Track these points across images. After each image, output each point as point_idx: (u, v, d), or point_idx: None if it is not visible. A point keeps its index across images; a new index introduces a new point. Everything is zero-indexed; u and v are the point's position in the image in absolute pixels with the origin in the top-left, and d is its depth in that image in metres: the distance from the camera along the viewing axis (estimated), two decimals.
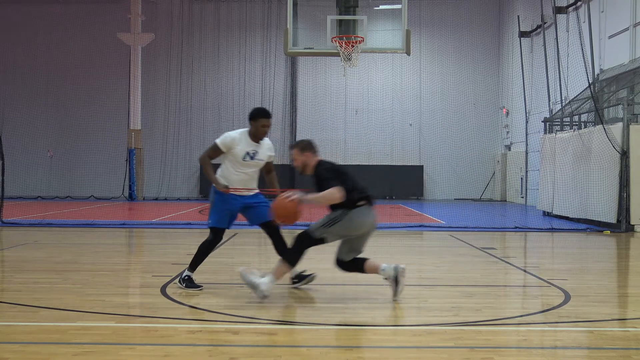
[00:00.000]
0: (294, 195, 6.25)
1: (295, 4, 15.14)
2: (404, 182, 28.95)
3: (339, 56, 15.24)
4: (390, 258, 10.25)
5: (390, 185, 28.74)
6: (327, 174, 6.29)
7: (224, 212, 6.99)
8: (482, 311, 6.15)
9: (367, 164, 29.24)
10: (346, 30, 15.29)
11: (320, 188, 6.27)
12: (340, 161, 29.61)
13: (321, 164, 6.46)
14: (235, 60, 29.99)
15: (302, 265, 7.21)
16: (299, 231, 6.52)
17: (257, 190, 7.17)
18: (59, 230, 13.99)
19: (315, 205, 6.38)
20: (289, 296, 6.93)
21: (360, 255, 6.70)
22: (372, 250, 11.05)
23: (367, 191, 6.44)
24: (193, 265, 7.11)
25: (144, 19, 27.61)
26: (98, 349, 4.74)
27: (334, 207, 6.36)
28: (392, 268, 6.47)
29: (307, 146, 6.55)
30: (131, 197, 26.93)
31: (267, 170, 7.26)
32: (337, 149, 29.56)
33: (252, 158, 6.98)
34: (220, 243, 7.23)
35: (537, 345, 5.07)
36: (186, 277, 7.08)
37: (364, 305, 6.42)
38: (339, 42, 15.10)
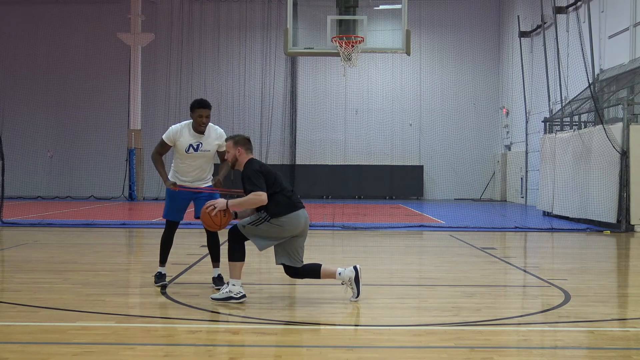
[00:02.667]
0: (218, 205, 6.29)
1: (295, 4, 15.13)
2: (404, 182, 28.96)
3: (339, 56, 15.24)
4: (390, 258, 10.26)
5: (390, 185, 28.75)
6: (251, 176, 6.24)
7: (173, 205, 7.13)
8: (482, 311, 6.15)
9: (367, 164, 29.24)
10: (346, 30, 15.29)
11: (244, 187, 6.30)
12: (340, 161, 29.82)
13: (251, 163, 6.38)
14: (235, 60, 30.00)
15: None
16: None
17: (208, 182, 7.17)
18: (59, 230, 13.98)
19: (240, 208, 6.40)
20: (289, 296, 6.93)
21: (314, 261, 6.68)
22: (373, 250, 11.06)
23: (294, 195, 6.41)
24: (161, 260, 7.27)
25: (144, 19, 27.61)
26: (98, 349, 4.74)
27: (261, 209, 6.34)
28: (351, 269, 6.45)
29: (240, 141, 6.47)
30: (131, 197, 26.93)
31: (222, 160, 7.15)
32: (337, 149, 29.58)
33: (195, 150, 6.98)
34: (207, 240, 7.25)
35: (537, 345, 5.07)
36: (157, 273, 7.23)
37: (364, 305, 6.42)
38: (339, 42, 15.10)
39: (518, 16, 25.49)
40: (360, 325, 5.64)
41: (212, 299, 6.41)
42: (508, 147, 28.26)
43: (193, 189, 7.03)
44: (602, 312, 6.13)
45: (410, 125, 29.72)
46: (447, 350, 4.85)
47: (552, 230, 14.61)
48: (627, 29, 17.71)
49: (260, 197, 6.15)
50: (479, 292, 7.22)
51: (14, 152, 24.04)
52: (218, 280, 7.10)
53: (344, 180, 28.14)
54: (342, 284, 6.53)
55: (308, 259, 8.25)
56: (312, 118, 29.41)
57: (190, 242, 11.87)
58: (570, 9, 21.14)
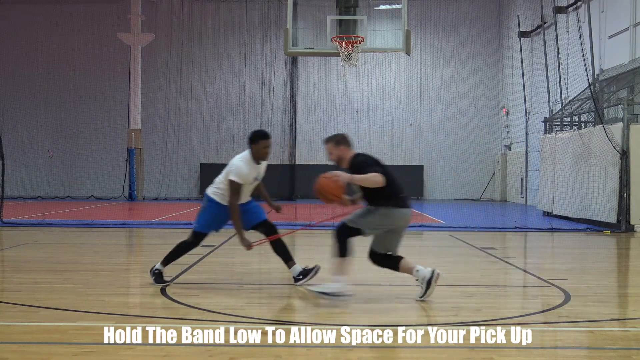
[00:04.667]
0: (341, 176, 6.16)
1: (295, 4, 15.14)
2: (404, 182, 28.59)
3: (339, 56, 15.24)
4: None
5: None
6: (367, 161, 6.31)
7: (214, 221, 7.11)
8: (482, 311, 6.15)
9: None
10: (346, 30, 15.30)
11: (357, 169, 6.25)
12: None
13: (357, 156, 6.47)
14: (235, 60, 29.99)
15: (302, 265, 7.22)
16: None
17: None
18: (59, 230, 13.98)
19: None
20: (289, 296, 6.93)
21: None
22: None
23: (403, 190, 6.51)
24: (166, 261, 7.22)
25: (144, 19, 27.61)
26: (98, 349, 4.74)
27: (371, 202, 6.38)
28: (429, 271, 6.44)
29: (341, 140, 6.56)
30: (131, 197, 26.93)
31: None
32: None
33: (256, 179, 7.12)
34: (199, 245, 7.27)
35: (537, 345, 5.07)
36: (156, 271, 7.19)
37: (364, 305, 6.42)
38: (339, 42, 15.10)
39: (518, 16, 25.48)
40: (360, 325, 5.64)
41: (316, 291, 6.29)
42: (508, 147, 28.26)
43: (260, 242, 7.04)
44: (602, 312, 6.13)
45: (410, 125, 29.71)
46: (447, 350, 4.85)
47: (552, 230, 14.60)
48: (627, 29, 17.70)
49: (378, 177, 6.07)
50: (479, 292, 7.21)
51: (14, 152, 24.03)
52: (304, 272, 7.10)
53: None
54: (417, 281, 6.52)
55: (308, 258, 8.25)
56: (312, 118, 29.39)
57: None
58: (570, 9, 21.13)
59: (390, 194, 6.35)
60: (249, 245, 6.85)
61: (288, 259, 7.20)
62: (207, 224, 7.11)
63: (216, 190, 7.09)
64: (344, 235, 6.34)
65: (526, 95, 24.57)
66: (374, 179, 6.10)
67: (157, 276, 7.20)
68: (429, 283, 6.40)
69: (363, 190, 6.37)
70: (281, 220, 7.37)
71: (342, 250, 6.31)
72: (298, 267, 7.16)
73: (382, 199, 6.32)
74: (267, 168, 7.32)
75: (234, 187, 6.86)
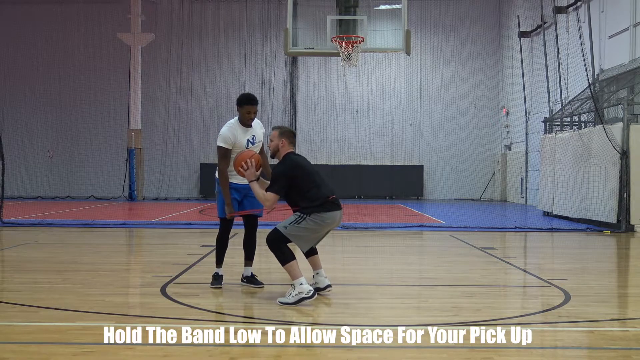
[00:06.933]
0: (248, 175, 6.53)
1: (295, 4, 15.14)
2: (404, 182, 28.95)
3: (339, 56, 15.23)
4: (391, 258, 10.26)
5: (390, 185, 28.74)
6: (278, 175, 6.46)
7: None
8: (482, 311, 6.15)
9: (367, 164, 29.23)
10: (346, 30, 15.29)
11: (271, 180, 6.55)
12: (340, 161, 29.80)
13: (286, 159, 6.59)
14: (235, 60, 29.98)
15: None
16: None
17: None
18: (59, 230, 13.98)
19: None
20: None
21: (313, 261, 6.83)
22: (373, 250, 11.06)
23: (331, 193, 6.57)
24: (218, 262, 7.30)
25: (144, 19, 27.60)
26: (98, 349, 4.74)
27: (296, 204, 6.51)
28: (310, 289, 6.32)
29: (285, 133, 6.69)
30: (131, 197, 26.93)
31: (260, 150, 7.31)
32: (337, 149, 29.58)
33: (252, 143, 7.13)
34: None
35: (537, 345, 5.07)
36: (214, 274, 7.26)
37: (364, 305, 6.42)
38: (339, 42, 15.09)
39: (518, 16, 25.49)
40: (360, 325, 5.64)
41: (281, 303, 6.30)
42: (508, 147, 28.26)
43: (244, 214, 7.20)
44: (602, 312, 6.13)
45: (410, 125, 29.71)
46: (447, 350, 4.85)
47: (552, 230, 14.60)
48: (627, 29, 17.70)
49: (270, 202, 6.40)
50: (479, 292, 7.22)
51: (14, 152, 24.00)
52: (252, 279, 7.28)
53: (344, 180, 28.08)
54: (312, 278, 6.69)
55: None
56: (312, 118, 29.40)
57: (190, 242, 11.88)
58: (570, 9, 21.13)
59: (316, 198, 6.42)
60: (230, 213, 6.98)
61: (248, 258, 7.37)
62: (223, 207, 7.13)
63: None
64: (281, 243, 6.42)
65: (526, 95, 24.57)
66: (264, 200, 6.43)
67: (214, 279, 7.24)
68: (311, 294, 6.28)
69: (288, 192, 6.48)
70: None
71: (285, 257, 6.37)
72: (250, 270, 7.34)
73: (307, 204, 6.41)
74: (265, 133, 7.36)
75: (221, 153, 6.97)
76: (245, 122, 7.09)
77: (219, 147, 6.98)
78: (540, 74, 22.47)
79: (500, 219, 18.23)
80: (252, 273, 7.38)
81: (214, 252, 7.37)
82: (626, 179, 14.51)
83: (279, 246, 6.40)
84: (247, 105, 7.03)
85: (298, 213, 6.44)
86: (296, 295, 6.27)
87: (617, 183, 14.67)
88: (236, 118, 7.14)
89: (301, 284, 6.29)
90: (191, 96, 29.89)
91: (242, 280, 7.39)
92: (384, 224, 16.04)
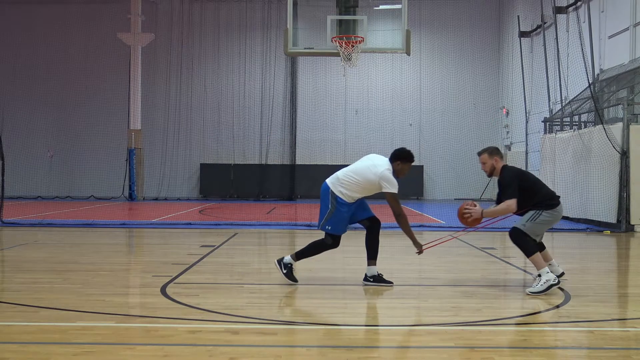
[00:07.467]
0: (474, 214, 7.40)
1: (295, 4, 15.14)
2: (404, 182, 28.57)
3: (339, 56, 15.24)
4: (391, 258, 10.25)
5: None
6: (510, 181, 7.16)
7: (346, 220, 7.29)
8: (482, 311, 6.15)
9: None
10: (346, 30, 15.30)
11: (503, 192, 7.22)
12: (340, 161, 29.76)
13: (506, 169, 7.31)
14: (235, 60, 29.98)
15: (305, 265, 7.22)
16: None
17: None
18: (59, 230, 13.98)
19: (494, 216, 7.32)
20: (289, 296, 6.93)
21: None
22: None
23: (554, 195, 7.34)
24: (300, 255, 7.36)
25: (144, 19, 27.60)
26: (98, 349, 4.74)
27: (532, 205, 7.14)
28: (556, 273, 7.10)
29: (495, 151, 7.36)
30: (131, 197, 26.93)
31: None
32: (337, 149, 29.57)
33: None
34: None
35: (537, 345, 5.07)
36: (289, 265, 7.29)
37: (364, 305, 6.42)
38: (339, 42, 15.09)
39: (518, 16, 25.47)
40: (360, 325, 5.64)
41: (531, 292, 6.82)
42: (508, 147, 28.25)
43: (433, 244, 7.74)
44: (602, 312, 6.13)
45: (410, 125, 29.71)
46: (447, 350, 4.85)
47: (552, 230, 14.58)
48: (627, 29, 17.70)
49: (510, 206, 7.06)
50: (479, 292, 7.21)
51: (14, 152, 24.01)
52: (379, 278, 7.37)
53: None
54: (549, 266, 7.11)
55: (309, 257, 8.23)
56: (312, 118, 29.39)
57: (190, 242, 11.88)
58: (570, 9, 21.13)
59: (547, 195, 7.28)
60: (420, 248, 7.46)
61: (372, 257, 7.44)
62: (338, 225, 7.23)
63: (347, 192, 7.25)
64: (523, 238, 7.05)
65: (526, 95, 24.56)
66: (505, 209, 7.15)
67: (289, 270, 7.26)
68: (557, 281, 6.90)
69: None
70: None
71: (530, 250, 6.99)
72: (374, 269, 7.39)
73: (542, 201, 7.16)
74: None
75: (397, 199, 7.33)
76: (400, 177, 7.45)
77: (395, 194, 7.28)
78: (540, 74, 22.46)
79: (500, 219, 18.19)
80: (378, 272, 7.41)
81: (303, 250, 7.38)
82: (626, 179, 14.51)
83: (524, 240, 6.99)
84: (411, 163, 7.50)
85: (533, 210, 7.05)
86: (544, 283, 6.80)
87: (617, 183, 14.67)
88: (390, 165, 7.37)
89: (547, 272, 6.85)
90: (191, 96, 29.89)
91: (367, 280, 7.36)
92: (384, 224, 16.01)
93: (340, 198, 7.20)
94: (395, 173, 7.35)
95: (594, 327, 5.60)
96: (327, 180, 7.37)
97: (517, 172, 7.34)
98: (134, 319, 5.88)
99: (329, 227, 7.22)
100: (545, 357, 4.72)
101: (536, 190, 7.20)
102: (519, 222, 7.13)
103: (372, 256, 7.43)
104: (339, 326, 5.59)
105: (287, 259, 7.32)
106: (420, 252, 7.45)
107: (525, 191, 7.12)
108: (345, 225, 7.32)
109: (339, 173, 7.38)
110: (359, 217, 7.41)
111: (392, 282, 7.35)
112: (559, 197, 7.38)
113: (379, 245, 7.51)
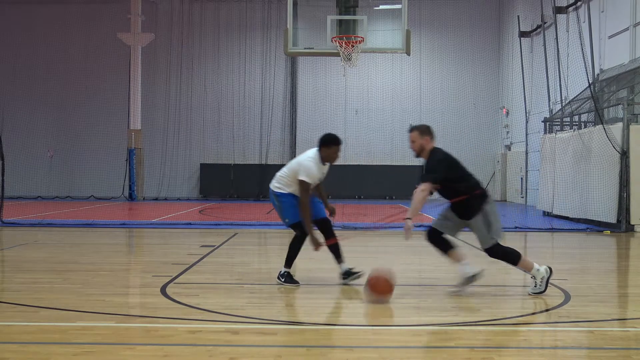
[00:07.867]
0: (407, 228, 6.69)
1: (295, 4, 15.15)
2: (404, 182, 28.88)
3: (339, 56, 15.25)
4: (391, 258, 10.26)
5: (390, 185, 28.71)
6: (436, 165, 6.76)
7: (295, 206, 7.25)
8: (482, 311, 6.15)
9: (367, 164, 29.23)
10: (346, 30, 15.30)
11: (424, 174, 6.85)
12: (340, 161, 29.65)
13: (435, 152, 6.83)
14: (235, 60, 29.98)
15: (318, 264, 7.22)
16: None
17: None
18: (59, 230, 13.98)
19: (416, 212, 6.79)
20: (289, 296, 6.93)
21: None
22: (373, 250, 11.05)
23: (480, 183, 7.00)
24: (288, 261, 7.32)
25: (144, 19, 27.60)
26: (98, 349, 4.74)
27: (457, 203, 6.89)
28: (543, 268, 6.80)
29: (426, 130, 6.89)
30: (131, 197, 26.93)
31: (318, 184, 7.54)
32: None
33: (320, 179, 7.38)
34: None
35: (537, 345, 5.07)
36: (285, 273, 7.29)
37: (363, 305, 6.42)
38: (339, 42, 15.10)
39: (518, 16, 25.48)
40: (360, 325, 5.64)
41: (534, 293, 6.77)
42: (508, 147, 28.25)
43: (326, 244, 7.35)
44: (602, 312, 6.13)
45: (410, 125, 29.70)
46: (447, 350, 4.85)
47: (552, 230, 14.60)
48: (627, 29, 17.70)
49: (424, 192, 6.67)
50: (479, 292, 7.21)
51: (14, 152, 23.98)
52: (349, 272, 7.37)
53: (344, 180, 28.08)
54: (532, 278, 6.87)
55: (309, 258, 8.25)
56: (312, 118, 29.37)
57: (190, 242, 11.89)
58: (570, 9, 21.13)
59: (468, 188, 6.92)
60: (317, 244, 7.13)
61: (338, 257, 7.43)
62: (295, 213, 7.22)
63: (281, 186, 7.27)
64: (500, 250, 6.83)
65: (526, 95, 24.57)
66: (418, 197, 6.70)
67: (287, 277, 7.27)
68: (549, 272, 6.79)
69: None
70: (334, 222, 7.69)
71: (513, 258, 6.87)
72: (345, 266, 7.40)
73: (464, 198, 6.88)
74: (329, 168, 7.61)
75: (305, 187, 7.11)
76: (332, 160, 7.36)
77: (303, 182, 7.08)
78: (540, 74, 22.46)
79: (500, 218, 18.19)
80: (348, 268, 7.40)
81: (287, 255, 7.31)
82: (626, 179, 14.51)
83: (502, 253, 6.79)
84: (335, 146, 7.32)
85: (471, 209, 6.77)
86: (541, 280, 6.71)
87: (617, 183, 14.67)
88: (317, 153, 7.26)
89: (537, 269, 6.71)
90: (191, 96, 29.89)
91: (342, 279, 7.37)
92: (384, 224, 16.04)
93: (278, 192, 7.28)
94: (324, 160, 7.31)
95: (594, 327, 5.60)
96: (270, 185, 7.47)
97: (446, 157, 6.91)
98: (134, 319, 5.88)
99: (287, 220, 7.31)
100: (545, 357, 4.72)
101: (466, 176, 6.91)
102: (481, 240, 6.78)
103: (338, 258, 7.45)
104: (339, 326, 5.59)
105: (281, 270, 7.36)
106: (317, 248, 7.18)
107: (456, 178, 6.85)
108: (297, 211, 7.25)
109: (279, 173, 7.45)
110: (312, 217, 7.30)
111: (357, 277, 7.31)
112: (485, 187, 7.12)
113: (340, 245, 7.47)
